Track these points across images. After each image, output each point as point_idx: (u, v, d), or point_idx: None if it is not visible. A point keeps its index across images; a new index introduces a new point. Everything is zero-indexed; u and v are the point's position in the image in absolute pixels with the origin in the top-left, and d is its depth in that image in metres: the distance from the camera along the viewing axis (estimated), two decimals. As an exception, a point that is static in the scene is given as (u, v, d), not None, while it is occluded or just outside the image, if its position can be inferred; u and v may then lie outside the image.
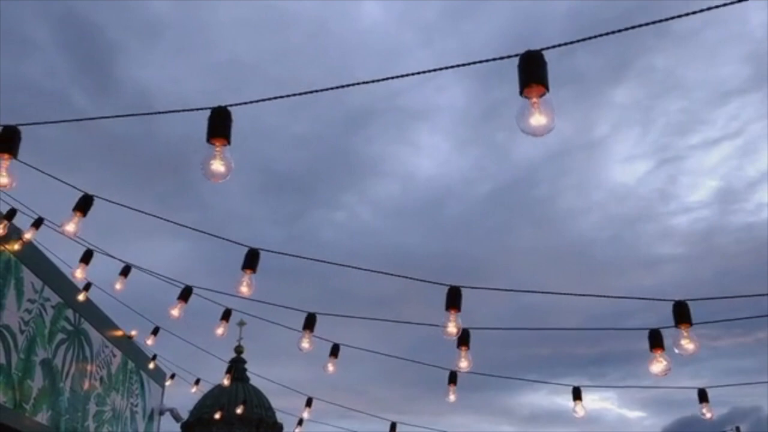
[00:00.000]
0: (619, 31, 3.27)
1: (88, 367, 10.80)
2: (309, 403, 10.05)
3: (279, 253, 5.67)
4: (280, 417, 26.07)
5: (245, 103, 3.82)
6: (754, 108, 38.36)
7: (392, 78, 3.80)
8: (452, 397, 7.12)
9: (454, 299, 5.24)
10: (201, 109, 3.74)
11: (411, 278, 5.65)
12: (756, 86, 37.13)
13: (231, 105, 3.71)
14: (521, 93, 3.07)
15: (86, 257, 7.47)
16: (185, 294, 7.13)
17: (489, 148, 46.28)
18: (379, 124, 45.99)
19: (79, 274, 7.60)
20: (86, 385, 10.68)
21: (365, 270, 5.90)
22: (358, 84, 3.80)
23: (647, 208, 45.90)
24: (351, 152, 45.55)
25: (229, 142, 3.66)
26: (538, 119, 3.09)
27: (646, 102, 45.21)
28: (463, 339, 5.98)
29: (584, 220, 45.96)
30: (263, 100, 3.93)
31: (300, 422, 11.27)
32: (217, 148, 3.68)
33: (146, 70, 39.32)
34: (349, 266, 6.08)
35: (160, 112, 4.60)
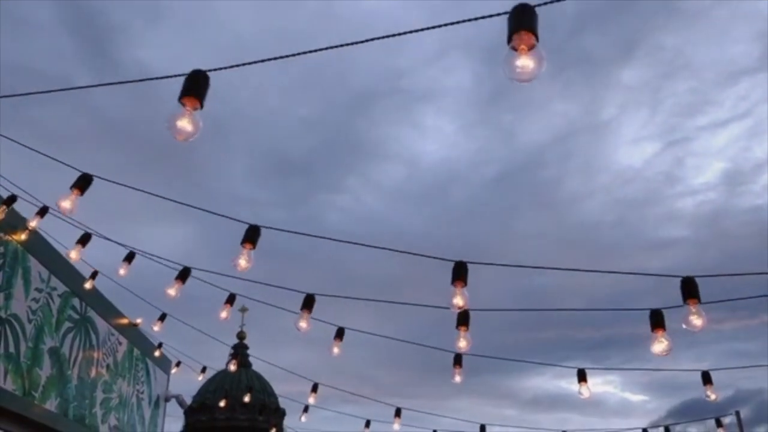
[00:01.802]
0: None
1: (95, 355, 10.89)
2: (315, 388, 10.11)
3: (279, 229, 5.67)
4: (282, 402, 26.24)
5: (226, 67, 3.72)
6: (763, 88, 38.05)
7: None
8: (458, 378, 7.17)
9: (460, 273, 5.23)
10: (178, 75, 3.69)
11: (415, 254, 5.63)
12: (766, 65, 36.90)
13: (211, 70, 3.67)
14: (509, 42, 2.92)
15: (83, 239, 7.48)
16: (183, 275, 7.16)
17: (495, 131, 46.07)
18: (383, 106, 45.73)
19: (73, 255, 7.58)
20: (93, 373, 10.78)
21: (367, 246, 5.88)
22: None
23: (653, 190, 45.77)
24: (355, 135, 45.37)
25: (201, 106, 3.60)
26: (524, 61, 2.93)
27: (654, 82, 44.87)
28: (463, 319, 5.97)
29: (590, 203, 45.92)
30: (245, 64, 3.88)
31: (306, 409, 11.34)
32: (188, 108, 3.61)
33: (149, 51, 39.07)
34: (348, 242, 6.04)
35: (131, 81, 4.62)
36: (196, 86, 3.60)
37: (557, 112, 43.08)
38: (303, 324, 6.58)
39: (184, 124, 3.62)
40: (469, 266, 5.33)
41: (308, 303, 6.58)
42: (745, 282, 5.67)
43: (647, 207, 46.11)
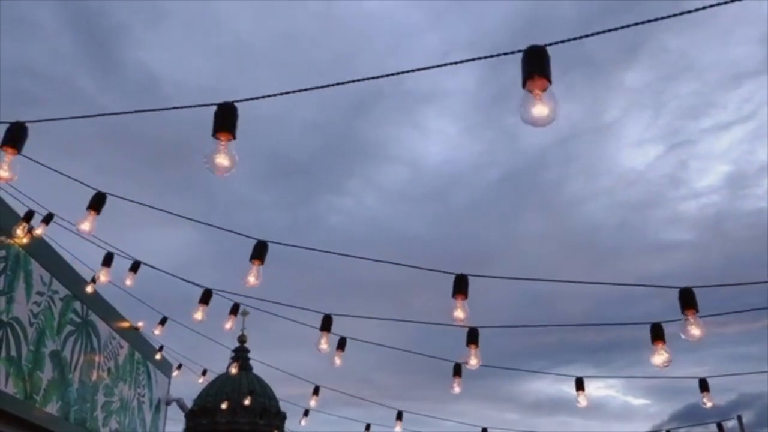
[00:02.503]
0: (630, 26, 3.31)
1: (96, 358, 10.89)
2: (316, 391, 10.10)
3: (287, 245, 5.72)
4: (283, 406, 26.22)
5: (253, 98, 3.85)
6: (767, 91, 38.00)
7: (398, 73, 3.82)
8: (457, 389, 7.20)
9: (460, 286, 5.30)
10: (207, 105, 3.78)
11: (419, 267, 5.70)
12: (770, 68, 36.81)
13: (238, 101, 3.77)
14: (524, 85, 3.08)
15: (107, 260, 7.57)
16: (206, 297, 7.24)
17: (498, 133, 46.02)
18: (386, 108, 45.66)
19: (102, 278, 7.69)
20: (94, 376, 10.78)
21: (373, 260, 5.94)
22: (364, 79, 3.84)
23: (656, 193, 45.73)
24: (357, 137, 45.35)
25: (234, 137, 3.73)
26: (540, 109, 3.11)
27: (657, 85, 44.77)
28: (473, 338, 6.04)
29: (593, 206, 45.87)
30: (273, 95, 3.96)
31: (306, 413, 11.33)
32: (222, 143, 3.74)
33: (152, 53, 39.13)
34: (356, 257, 6.11)
35: (167, 108, 4.63)
36: (227, 119, 3.73)
37: (560, 114, 42.95)
38: (324, 346, 6.72)
39: (222, 160, 3.78)
40: (473, 274, 5.36)
41: (326, 324, 6.65)
42: (748, 286, 5.66)
43: (650, 210, 46.11)
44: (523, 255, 42.87)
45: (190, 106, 4.06)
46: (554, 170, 46.69)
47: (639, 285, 6.47)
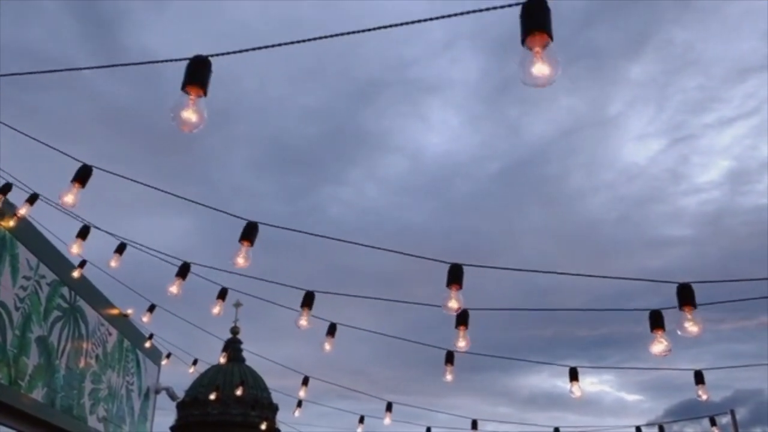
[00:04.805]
0: None
1: (84, 345, 10.73)
2: (305, 381, 9.98)
3: (277, 227, 5.59)
4: (275, 398, 26.15)
5: (226, 53, 3.65)
6: (771, 86, 37.87)
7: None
8: (449, 377, 7.10)
9: (455, 276, 5.21)
10: (181, 60, 3.58)
11: (414, 255, 5.59)
12: (775, 64, 36.71)
13: (212, 55, 3.57)
14: (523, 42, 2.91)
15: (83, 233, 7.36)
16: (183, 271, 7.03)
17: (500, 125, 45.98)
18: (389, 97, 45.53)
19: (75, 250, 7.48)
20: (82, 363, 10.63)
21: (365, 246, 5.81)
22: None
23: (657, 188, 45.76)
24: (359, 126, 45.23)
25: (205, 93, 3.52)
26: (540, 68, 2.93)
27: (662, 78, 44.72)
28: (462, 319, 5.94)
29: (593, 200, 45.87)
30: (247, 50, 3.76)
31: (299, 404, 11.21)
32: (192, 97, 3.53)
33: (153, 37, 38.95)
34: (348, 242, 6.01)
35: (131, 64, 4.49)
36: (198, 74, 3.51)
37: (563, 107, 43.02)
38: (303, 322, 6.58)
39: (189, 114, 3.57)
40: (468, 264, 5.25)
41: (308, 300, 6.51)
42: (745, 283, 5.56)
43: (651, 205, 46.11)
44: (522, 248, 42.86)
45: (162, 61, 3.86)
46: (556, 164, 46.70)
47: (638, 279, 6.36)
